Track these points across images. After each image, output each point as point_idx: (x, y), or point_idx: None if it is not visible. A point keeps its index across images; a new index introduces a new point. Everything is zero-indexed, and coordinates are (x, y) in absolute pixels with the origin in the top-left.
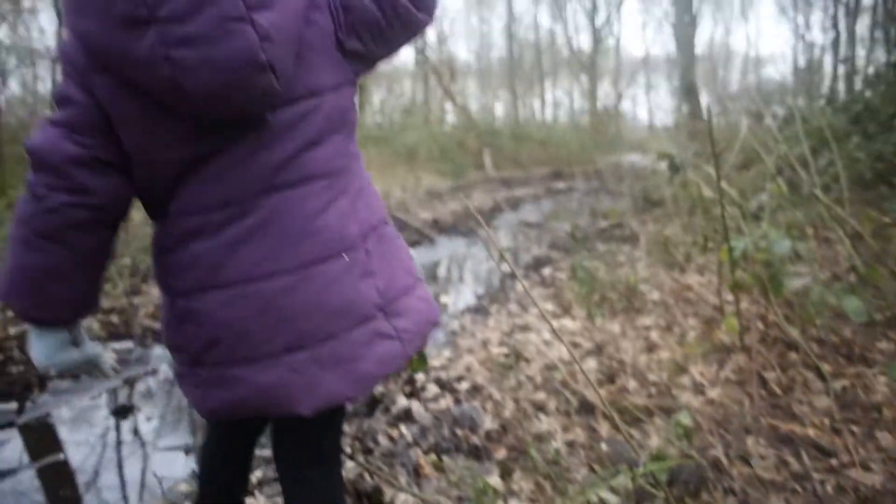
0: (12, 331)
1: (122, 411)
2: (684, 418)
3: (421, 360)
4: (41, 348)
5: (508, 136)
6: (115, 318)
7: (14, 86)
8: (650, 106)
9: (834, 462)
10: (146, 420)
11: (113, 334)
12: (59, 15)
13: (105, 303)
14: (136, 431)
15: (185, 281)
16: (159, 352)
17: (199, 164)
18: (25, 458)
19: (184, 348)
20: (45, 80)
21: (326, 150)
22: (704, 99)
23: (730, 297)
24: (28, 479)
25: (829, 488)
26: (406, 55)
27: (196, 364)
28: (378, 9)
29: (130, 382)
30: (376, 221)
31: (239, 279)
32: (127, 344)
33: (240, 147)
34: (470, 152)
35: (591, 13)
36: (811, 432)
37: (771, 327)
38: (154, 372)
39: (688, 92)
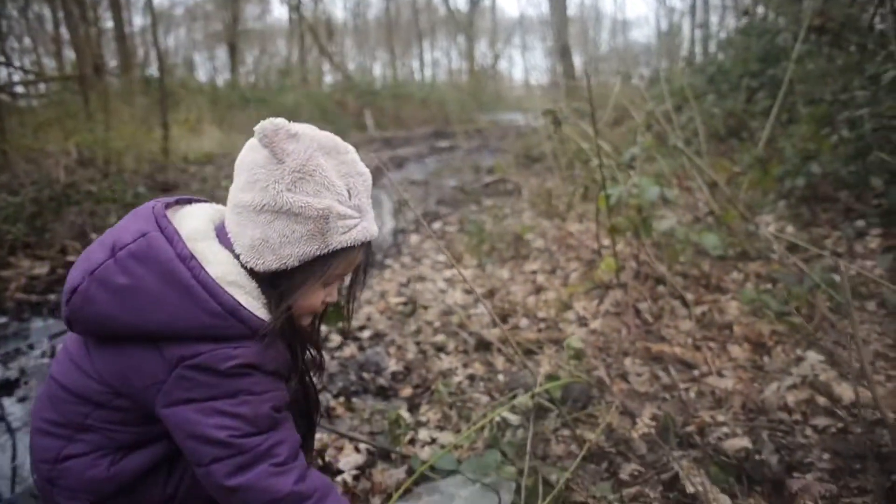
0: None
1: None
2: (575, 342)
3: (337, 313)
4: None
5: (388, 95)
6: None
7: None
8: (526, 66)
9: (695, 373)
10: (18, 401)
11: None
12: None
13: None
14: (2, 415)
15: None
16: (39, 325)
17: None
18: None
19: None
20: None
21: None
22: (577, 59)
23: (607, 240)
24: None
25: (692, 394)
26: (280, 13)
27: None
28: None
29: (4, 360)
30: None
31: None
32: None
33: None
34: (350, 113)
35: None
36: (677, 350)
37: (643, 265)
38: (31, 347)
39: (562, 52)
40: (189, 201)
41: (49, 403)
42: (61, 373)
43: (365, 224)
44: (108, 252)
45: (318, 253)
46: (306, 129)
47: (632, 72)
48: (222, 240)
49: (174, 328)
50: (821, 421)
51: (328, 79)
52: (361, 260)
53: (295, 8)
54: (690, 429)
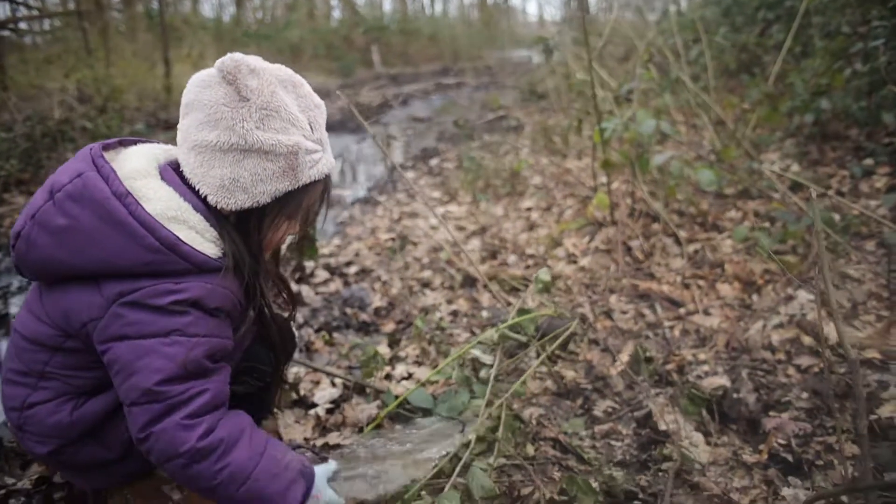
0: None
1: None
2: (543, 275)
3: (311, 248)
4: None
5: (397, 31)
6: None
7: None
8: (540, 1)
9: (682, 311)
10: None
11: None
12: None
13: None
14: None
15: None
16: None
17: None
18: None
19: None
20: None
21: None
22: None
23: (604, 178)
24: None
25: (676, 332)
26: None
27: None
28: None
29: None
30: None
31: None
32: None
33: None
34: (357, 49)
35: None
36: (665, 288)
37: (638, 203)
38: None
39: None
40: (134, 142)
41: (14, 354)
42: (21, 323)
43: (327, 156)
44: (47, 195)
45: (289, 188)
46: (262, 63)
47: (643, 6)
48: (167, 178)
49: (114, 265)
50: (804, 360)
51: (336, 14)
52: (323, 191)
53: None
54: (670, 366)
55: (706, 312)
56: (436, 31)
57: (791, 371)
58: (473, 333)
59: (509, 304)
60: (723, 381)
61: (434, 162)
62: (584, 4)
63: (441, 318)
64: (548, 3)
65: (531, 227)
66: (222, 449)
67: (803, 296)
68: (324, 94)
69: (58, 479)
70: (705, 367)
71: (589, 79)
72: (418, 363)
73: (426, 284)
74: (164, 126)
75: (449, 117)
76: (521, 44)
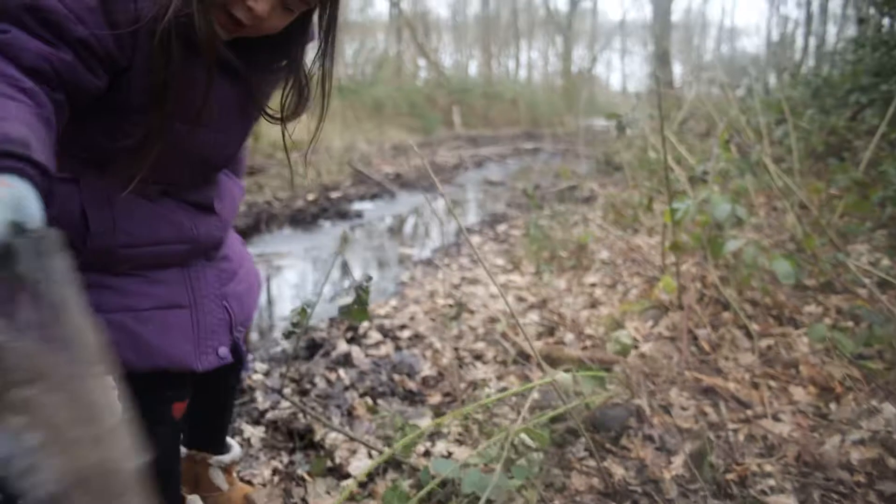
0: None
1: None
2: (624, 337)
3: (361, 311)
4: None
5: (479, 94)
6: None
7: None
8: (624, 72)
9: (749, 413)
10: None
11: None
12: None
13: None
14: None
15: None
16: None
17: None
18: None
19: None
20: None
21: None
22: (677, 67)
23: (673, 258)
24: None
25: (740, 437)
26: (382, 8)
27: None
28: None
29: None
30: None
31: None
32: None
33: None
34: (440, 109)
35: None
36: (732, 386)
37: (709, 288)
38: None
39: (661, 59)
40: None
41: None
42: None
43: None
44: None
45: None
46: None
47: (732, 83)
48: None
49: None
50: (889, 487)
51: (423, 74)
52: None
53: (395, 2)
54: (731, 476)
55: (776, 418)
56: (518, 95)
57: (872, 498)
58: (520, 414)
59: (558, 391)
60: (790, 501)
61: (501, 228)
62: (658, 78)
63: (488, 395)
64: (632, 75)
65: (593, 304)
66: None
67: (890, 410)
68: (402, 150)
69: None
70: (771, 482)
71: (662, 156)
72: (459, 442)
73: (478, 357)
74: (247, 171)
75: (522, 183)
76: (602, 112)
